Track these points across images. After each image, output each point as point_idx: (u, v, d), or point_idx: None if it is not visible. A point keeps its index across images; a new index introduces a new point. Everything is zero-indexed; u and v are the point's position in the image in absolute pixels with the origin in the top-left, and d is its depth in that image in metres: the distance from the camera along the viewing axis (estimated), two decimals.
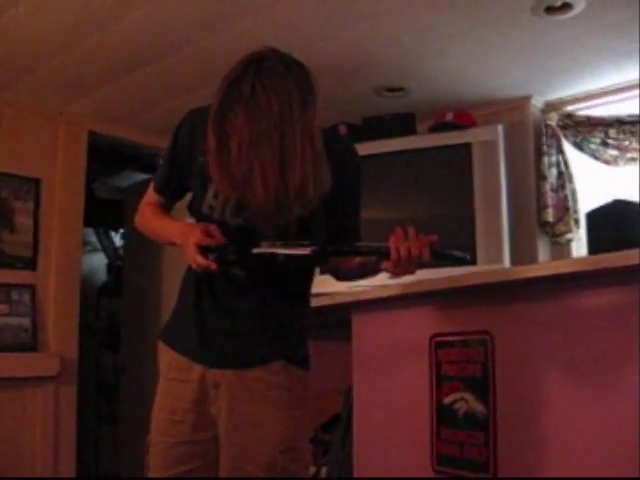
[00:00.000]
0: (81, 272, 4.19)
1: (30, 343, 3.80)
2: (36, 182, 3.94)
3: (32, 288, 3.86)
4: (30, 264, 3.88)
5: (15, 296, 3.80)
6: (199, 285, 1.93)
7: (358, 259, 1.87)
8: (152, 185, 2.05)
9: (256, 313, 1.89)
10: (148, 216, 2.04)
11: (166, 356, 1.96)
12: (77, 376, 3.98)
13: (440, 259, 1.79)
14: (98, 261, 5.79)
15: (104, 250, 5.80)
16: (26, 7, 2.95)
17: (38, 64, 3.47)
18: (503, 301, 2.49)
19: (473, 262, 3.26)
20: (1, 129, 3.86)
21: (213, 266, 1.75)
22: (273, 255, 1.74)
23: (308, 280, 2.01)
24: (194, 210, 1.92)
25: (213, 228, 1.78)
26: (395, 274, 1.80)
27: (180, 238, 1.86)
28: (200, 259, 1.75)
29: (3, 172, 3.84)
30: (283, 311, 1.93)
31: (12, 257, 3.83)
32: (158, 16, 3.01)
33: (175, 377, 1.92)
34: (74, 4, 2.94)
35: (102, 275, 5.80)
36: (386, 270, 1.81)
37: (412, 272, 1.78)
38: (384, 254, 1.75)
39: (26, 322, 3.81)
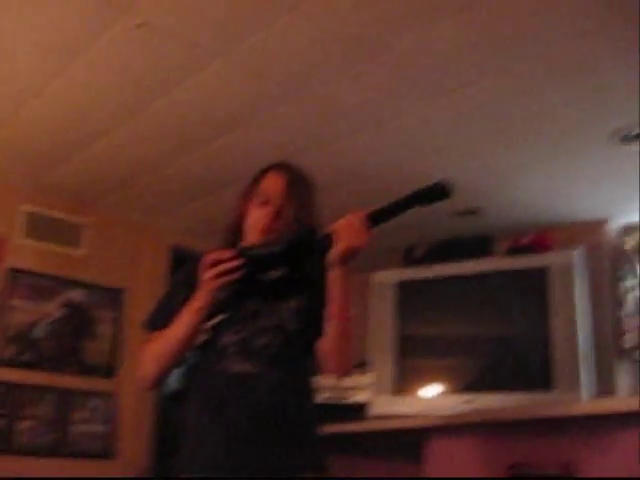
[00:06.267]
0: None
1: (105, 451, 3.84)
2: (119, 292, 4.09)
3: (109, 396, 3.94)
4: (108, 372, 3.98)
5: (93, 403, 3.88)
6: (207, 399, 1.94)
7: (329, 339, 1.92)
8: (156, 331, 2.03)
9: (270, 408, 1.89)
10: (156, 346, 2.00)
11: None
12: None
13: (402, 209, 1.86)
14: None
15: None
16: (118, 135, 3.17)
17: (129, 181, 3.68)
18: (583, 433, 2.45)
19: (550, 385, 3.22)
20: (90, 240, 4.03)
21: (236, 262, 1.82)
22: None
23: (310, 365, 2.02)
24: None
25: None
26: (347, 248, 1.81)
27: (197, 297, 1.90)
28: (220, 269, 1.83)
29: (89, 282, 3.99)
30: (295, 404, 1.94)
31: (91, 365, 3.93)
32: (242, 143, 3.17)
33: None
34: (164, 131, 3.14)
35: (174, 382, 5.84)
36: (338, 253, 1.83)
37: (361, 241, 1.81)
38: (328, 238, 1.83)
39: (102, 429, 3.87)
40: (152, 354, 2.00)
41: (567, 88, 2.69)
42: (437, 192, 1.87)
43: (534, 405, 2.53)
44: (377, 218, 1.85)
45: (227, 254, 1.85)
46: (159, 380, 2.03)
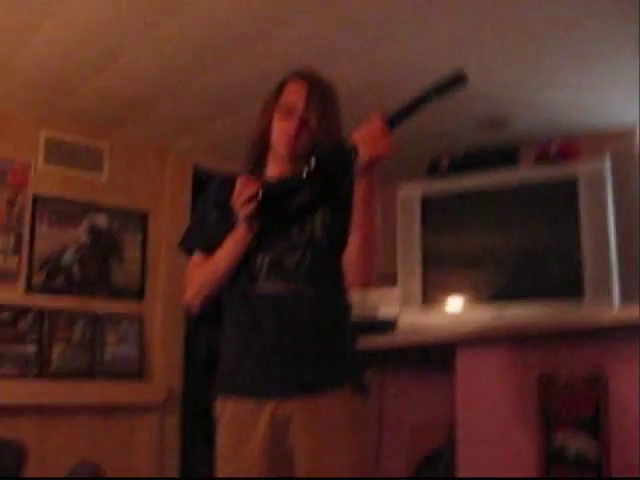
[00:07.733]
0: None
1: (137, 372, 3.91)
2: (144, 216, 4.09)
3: (139, 318, 3.99)
4: (138, 295, 4.01)
5: (124, 326, 3.93)
6: (241, 321, 1.96)
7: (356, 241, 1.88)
8: (196, 253, 2.06)
9: (306, 325, 1.90)
10: (201, 272, 2.03)
11: (230, 407, 1.95)
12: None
13: (420, 105, 1.80)
14: None
15: None
16: (135, 56, 3.11)
17: (149, 103, 3.62)
18: (615, 339, 2.44)
19: (580, 294, 3.19)
20: (112, 164, 4.02)
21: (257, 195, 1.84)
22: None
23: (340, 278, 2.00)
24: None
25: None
26: (371, 157, 1.77)
27: (238, 225, 1.92)
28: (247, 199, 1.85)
29: (113, 206, 3.99)
30: (331, 320, 1.95)
31: (121, 288, 3.97)
32: (260, 59, 3.10)
33: (243, 423, 1.91)
34: (182, 49, 3.06)
35: None
36: (363, 163, 1.79)
37: (384, 148, 1.76)
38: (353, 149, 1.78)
39: (133, 351, 3.93)
40: (198, 280, 2.02)
41: None
42: (453, 80, 1.80)
43: (563, 314, 2.52)
44: (397, 119, 1.79)
45: (250, 187, 1.86)
46: (205, 304, 2.05)
